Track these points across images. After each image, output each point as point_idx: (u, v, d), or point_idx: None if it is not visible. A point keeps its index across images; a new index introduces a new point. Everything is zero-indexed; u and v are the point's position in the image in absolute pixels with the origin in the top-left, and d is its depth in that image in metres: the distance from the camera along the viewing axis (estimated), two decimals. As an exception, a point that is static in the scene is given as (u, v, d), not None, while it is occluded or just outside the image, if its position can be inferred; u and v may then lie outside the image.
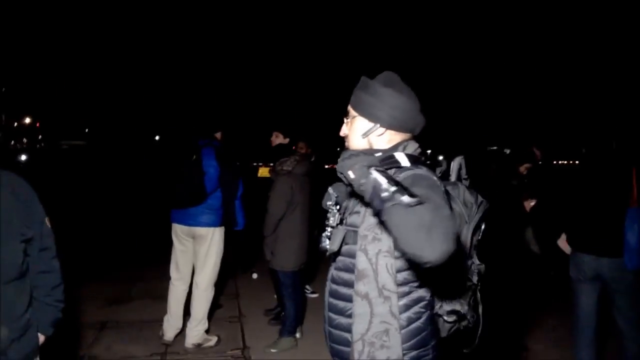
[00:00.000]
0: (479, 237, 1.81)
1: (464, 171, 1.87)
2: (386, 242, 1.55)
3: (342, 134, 1.82)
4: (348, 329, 1.62)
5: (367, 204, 1.51)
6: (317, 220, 4.13)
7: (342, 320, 1.67)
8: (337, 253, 1.71)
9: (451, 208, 1.56)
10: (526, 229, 3.94)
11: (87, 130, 48.27)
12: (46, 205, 2.19)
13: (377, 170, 1.39)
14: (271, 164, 4.45)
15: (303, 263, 4.29)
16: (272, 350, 4.18)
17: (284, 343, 4.22)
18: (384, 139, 1.72)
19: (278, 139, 4.36)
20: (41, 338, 2.15)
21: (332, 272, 1.74)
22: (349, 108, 1.78)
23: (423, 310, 1.63)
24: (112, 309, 5.20)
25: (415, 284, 1.62)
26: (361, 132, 1.73)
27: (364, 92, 1.73)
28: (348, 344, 1.62)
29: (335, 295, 1.70)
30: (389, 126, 1.70)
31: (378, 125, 1.70)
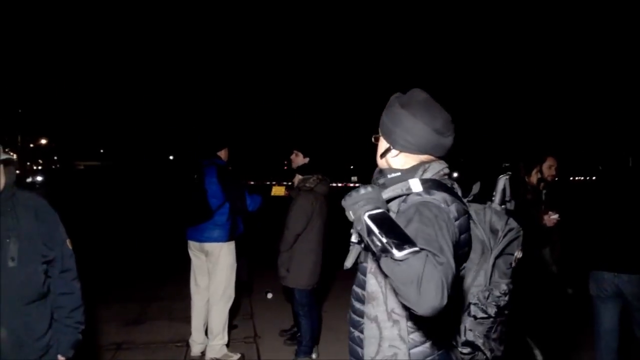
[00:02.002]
0: (511, 266, 1.71)
1: (508, 192, 1.78)
2: None
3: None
4: (360, 344, 1.66)
5: None
6: (332, 240, 4.15)
7: (356, 334, 1.69)
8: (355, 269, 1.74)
9: (460, 238, 1.56)
10: (544, 249, 3.89)
11: (102, 150, 48.88)
12: (64, 226, 2.22)
13: (372, 217, 1.36)
14: (284, 183, 4.51)
15: (317, 282, 4.27)
16: (288, 371, 4.14)
17: (300, 364, 4.18)
18: (399, 160, 1.72)
19: (298, 159, 4.39)
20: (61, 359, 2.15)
21: (353, 288, 1.76)
22: (378, 132, 1.80)
23: (442, 341, 1.62)
24: (127, 330, 5.20)
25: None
26: (379, 152, 1.77)
27: (385, 112, 1.75)
28: (356, 356, 1.67)
29: (352, 309, 1.73)
30: (402, 148, 1.70)
31: (391, 147, 1.72)
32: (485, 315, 1.63)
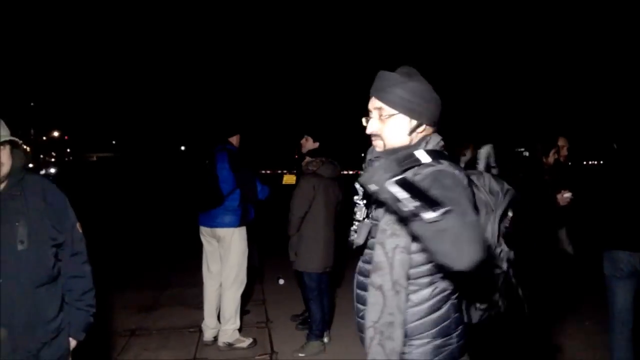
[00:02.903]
0: (507, 225, 1.82)
1: (492, 159, 1.89)
2: (404, 238, 1.57)
3: (371, 131, 1.75)
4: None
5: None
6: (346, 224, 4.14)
7: (362, 307, 1.71)
8: (364, 246, 1.73)
9: (475, 201, 1.62)
10: (560, 229, 3.85)
11: (114, 142, 49.15)
12: (77, 216, 2.23)
13: (398, 183, 1.40)
14: (294, 171, 4.52)
15: (329, 266, 4.27)
16: (300, 355, 4.16)
17: (311, 347, 4.20)
18: (423, 135, 1.74)
19: (308, 143, 4.38)
20: (72, 342, 2.17)
21: (359, 264, 1.77)
22: (381, 105, 1.71)
23: (446, 299, 1.66)
24: (141, 316, 5.25)
25: (439, 275, 1.63)
26: (405, 130, 1.71)
27: (402, 89, 1.68)
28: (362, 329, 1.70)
29: (360, 286, 1.74)
30: (428, 121, 1.72)
31: (422, 122, 1.70)
32: (499, 271, 1.78)
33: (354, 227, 1.77)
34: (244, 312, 4.77)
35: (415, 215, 1.34)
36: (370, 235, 1.71)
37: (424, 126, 1.71)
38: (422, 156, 1.63)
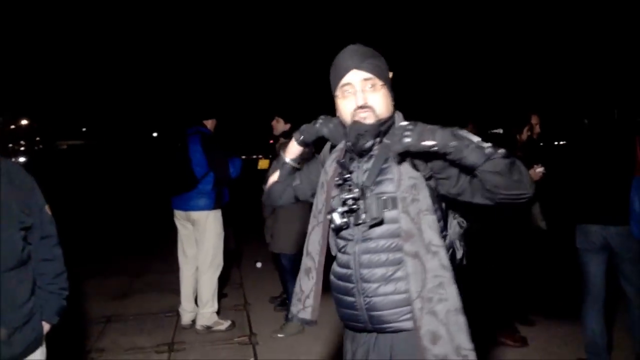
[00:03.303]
0: None
1: None
2: (424, 201, 1.63)
3: (364, 103, 1.71)
4: (395, 292, 1.67)
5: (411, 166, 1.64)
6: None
7: (386, 287, 1.69)
8: (379, 223, 1.68)
9: None
10: (533, 204, 3.89)
11: (84, 129, 48.23)
12: (49, 204, 2.16)
13: (455, 135, 1.53)
14: (271, 157, 4.49)
15: (306, 248, 4.25)
16: (279, 336, 4.16)
17: (290, 328, 4.20)
18: None
19: (279, 125, 4.35)
20: (46, 327, 2.12)
21: (362, 244, 1.72)
22: (371, 76, 1.72)
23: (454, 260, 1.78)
24: (116, 303, 5.19)
25: (445, 234, 1.76)
26: (390, 101, 1.78)
27: (380, 61, 1.78)
28: (397, 305, 1.67)
29: (370, 264, 1.70)
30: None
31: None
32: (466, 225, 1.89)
33: (344, 208, 1.69)
34: (221, 295, 4.75)
35: (492, 153, 1.50)
36: (384, 208, 1.68)
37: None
38: (399, 118, 1.79)
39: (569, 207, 3.43)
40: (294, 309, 1.87)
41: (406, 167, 1.65)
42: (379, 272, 1.69)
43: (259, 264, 6.42)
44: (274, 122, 4.38)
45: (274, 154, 4.42)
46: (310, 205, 4.24)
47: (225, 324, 4.37)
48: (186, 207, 4.29)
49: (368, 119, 1.71)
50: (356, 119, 1.72)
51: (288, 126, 4.29)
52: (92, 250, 7.65)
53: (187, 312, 4.44)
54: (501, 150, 1.51)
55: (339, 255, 1.82)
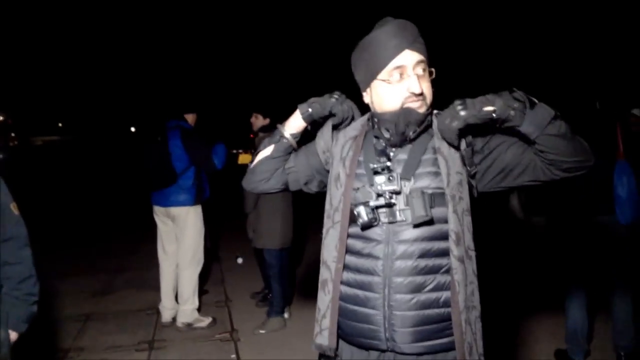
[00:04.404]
0: None
1: None
2: (466, 200, 1.50)
3: (420, 90, 1.49)
4: (430, 305, 1.48)
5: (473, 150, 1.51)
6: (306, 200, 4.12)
7: (420, 297, 1.48)
8: (424, 223, 1.48)
9: None
10: (511, 196, 3.95)
11: (60, 124, 47.48)
12: (26, 201, 2.06)
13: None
14: (252, 151, 4.45)
15: (289, 242, 4.24)
16: (261, 332, 4.15)
17: (272, 324, 4.19)
18: None
19: (258, 121, 4.32)
20: (12, 335, 1.97)
21: (397, 247, 1.50)
22: (423, 59, 1.53)
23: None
24: (95, 301, 5.12)
25: None
26: (429, 82, 1.57)
27: (423, 44, 1.55)
28: (432, 321, 1.48)
29: (405, 272, 1.48)
30: None
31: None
32: None
33: (383, 200, 1.48)
34: (202, 292, 4.72)
35: (556, 112, 1.38)
36: (432, 206, 1.48)
37: None
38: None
39: (557, 199, 3.47)
40: (314, 332, 1.62)
41: (453, 159, 1.49)
42: (416, 281, 1.48)
43: (240, 260, 6.39)
44: (252, 119, 4.35)
45: (255, 149, 4.38)
46: (293, 198, 4.14)
47: (207, 321, 4.34)
48: (166, 203, 4.23)
49: (420, 108, 1.51)
50: (407, 107, 1.51)
51: (267, 121, 4.26)
52: (71, 247, 7.53)
53: (167, 309, 4.40)
54: (557, 112, 1.39)
55: (357, 259, 1.55)
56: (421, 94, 1.49)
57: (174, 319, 4.37)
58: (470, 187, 1.54)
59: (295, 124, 1.74)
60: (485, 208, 3.80)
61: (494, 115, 1.38)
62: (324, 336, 1.55)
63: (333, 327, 1.55)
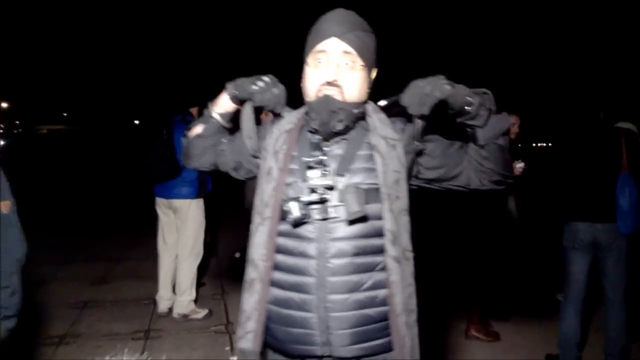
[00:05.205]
0: None
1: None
2: (404, 200, 1.44)
3: (335, 79, 1.45)
4: (368, 304, 1.43)
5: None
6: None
7: (356, 296, 1.42)
8: (358, 220, 1.42)
9: None
10: (509, 199, 3.96)
11: (65, 114, 47.53)
12: (29, 188, 1.98)
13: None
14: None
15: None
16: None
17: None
18: None
19: (268, 117, 4.34)
20: None
21: (330, 245, 1.43)
22: (351, 51, 1.47)
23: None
24: (93, 289, 5.16)
25: None
26: (367, 88, 1.54)
27: (370, 39, 1.52)
28: (370, 321, 1.43)
29: (340, 270, 1.42)
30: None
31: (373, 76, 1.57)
32: None
33: (316, 196, 1.41)
34: (199, 284, 4.75)
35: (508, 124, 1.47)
36: (366, 203, 1.42)
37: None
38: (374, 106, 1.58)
39: (557, 205, 3.50)
40: (236, 336, 1.52)
41: (390, 157, 1.43)
42: (352, 280, 1.42)
43: (237, 254, 6.41)
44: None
45: None
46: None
47: (202, 313, 4.37)
48: (169, 195, 4.27)
49: (336, 96, 1.45)
50: (322, 94, 1.46)
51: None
52: (71, 235, 7.59)
53: (164, 299, 4.44)
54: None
55: (289, 259, 1.47)
56: (335, 84, 1.45)
57: (171, 310, 4.40)
58: (410, 176, 1.51)
59: (223, 103, 1.66)
60: (481, 209, 3.83)
61: (468, 108, 1.39)
62: (248, 339, 1.46)
63: (259, 329, 1.46)
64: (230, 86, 1.62)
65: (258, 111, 1.61)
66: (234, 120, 1.70)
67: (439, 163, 1.53)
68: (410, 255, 1.45)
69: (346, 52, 1.46)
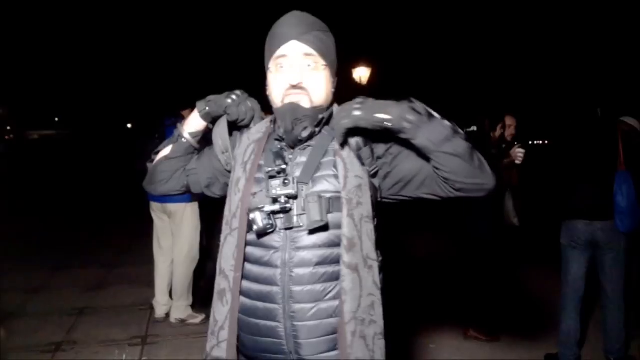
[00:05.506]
0: None
1: None
2: (366, 206, 1.41)
3: (299, 82, 1.45)
4: (333, 314, 1.40)
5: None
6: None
7: (321, 306, 1.41)
8: (320, 229, 1.41)
9: None
10: (506, 200, 3.96)
11: (56, 119, 47.32)
12: (21, 195, 2.04)
13: (414, 109, 1.35)
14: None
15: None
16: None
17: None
18: None
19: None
20: None
21: (294, 254, 1.42)
22: (312, 52, 1.46)
23: (382, 272, 1.52)
24: (89, 295, 5.11)
25: (379, 245, 1.51)
26: (330, 87, 1.52)
27: (329, 38, 1.51)
28: (333, 331, 1.41)
29: (304, 280, 1.41)
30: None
31: (336, 77, 1.55)
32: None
33: (278, 205, 1.40)
34: (196, 288, 4.72)
35: (454, 132, 1.33)
36: (329, 211, 1.41)
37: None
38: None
39: (554, 203, 3.50)
40: (208, 345, 1.49)
41: (352, 162, 1.41)
42: (315, 289, 1.40)
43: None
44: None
45: None
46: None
47: (200, 318, 4.34)
48: (163, 199, 4.23)
49: (302, 102, 1.44)
50: (288, 100, 1.45)
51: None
52: (65, 242, 7.54)
53: (161, 305, 4.41)
54: (462, 131, 1.35)
55: (256, 268, 1.46)
56: (300, 87, 1.44)
57: (168, 315, 4.38)
58: (374, 189, 1.47)
59: (194, 123, 1.68)
60: (480, 210, 3.83)
61: (387, 124, 1.33)
62: (222, 349, 1.44)
63: (232, 339, 1.45)
64: (201, 103, 1.64)
65: (231, 127, 1.61)
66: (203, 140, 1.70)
67: (400, 177, 1.49)
68: (375, 263, 1.41)
69: (307, 54, 1.45)
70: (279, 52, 1.46)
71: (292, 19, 1.48)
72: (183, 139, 1.68)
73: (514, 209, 3.97)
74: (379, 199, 1.51)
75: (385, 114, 1.33)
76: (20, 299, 4.92)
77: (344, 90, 1.60)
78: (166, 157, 1.70)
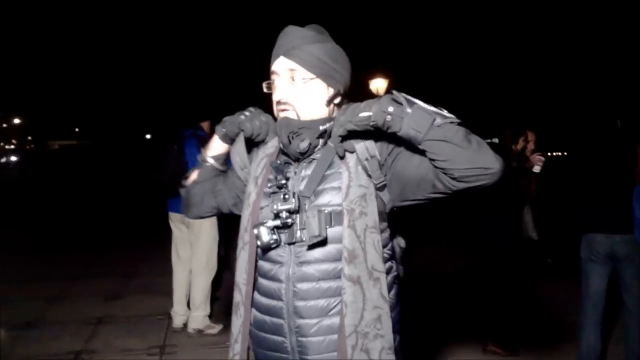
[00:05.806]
0: None
1: None
2: (372, 216, 1.37)
3: (282, 97, 1.47)
4: (335, 330, 1.38)
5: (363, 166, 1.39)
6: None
7: (326, 321, 1.39)
8: (320, 243, 1.38)
9: None
10: (525, 214, 3.93)
11: (77, 129, 48.01)
12: (41, 204, 2.07)
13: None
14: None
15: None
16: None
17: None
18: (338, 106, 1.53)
19: None
20: None
21: (297, 269, 1.41)
22: (295, 66, 1.45)
23: (397, 285, 1.51)
24: (108, 305, 5.16)
25: (392, 257, 1.51)
26: (323, 99, 1.47)
27: (319, 49, 1.46)
28: (335, 348, 1.37)
29: (308, 295, 1.39)
30: (345, 91, 1.53)
31: (340, 91, 1.50)
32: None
33: (279, 221, 1.39)
34: (214, 299, 4.74)
35: (442, 115, 1.27)
36: (330, 224, 1.38)
37: (339, 97, 1.51)
38: None
39: (574, 216, 3.46)
40: (229, 355, 1.52)
41: (358, 172, 1.39)
42: (319, 304, 1.39)
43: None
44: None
45: None
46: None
47: (217, 328, 4.35)
48: (182, 210, 4.25)
49: (290, 117, 1.46)
50: (281, 116, 1.48)
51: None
52: (84, 251, 7.62)
53: (179, 315, 4.43)
54: (452, 116, 1.28)
55: (264, 282, 1.48)
56: (284, 102, 1.45)
57: (185, 325, 4.39)
58: (381, 201, 1.43)
59: (215, 146, 1.74)
60: (498, 223, 3.80)
61: (371, 121, 1.31)
62: None
63: (244, 353, 1.47)
64: (219, 127, 1.69)
65: (249, 144, 1.64)
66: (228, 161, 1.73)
67: (404, 178, 1.42)
68: (381, 275, 1.37)
69: (292, 69, 1.45)
70: (272, 69, 1.50)
71: (283, 35, 1.49)
72: (206, 163, 1.74)
73: (532, 222, 3.94)
74: (393, 209, 1.48)
75: (366, 111, 1.32)
76: (39, 307, 4.98)
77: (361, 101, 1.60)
78: (195, 182, 1.77)
